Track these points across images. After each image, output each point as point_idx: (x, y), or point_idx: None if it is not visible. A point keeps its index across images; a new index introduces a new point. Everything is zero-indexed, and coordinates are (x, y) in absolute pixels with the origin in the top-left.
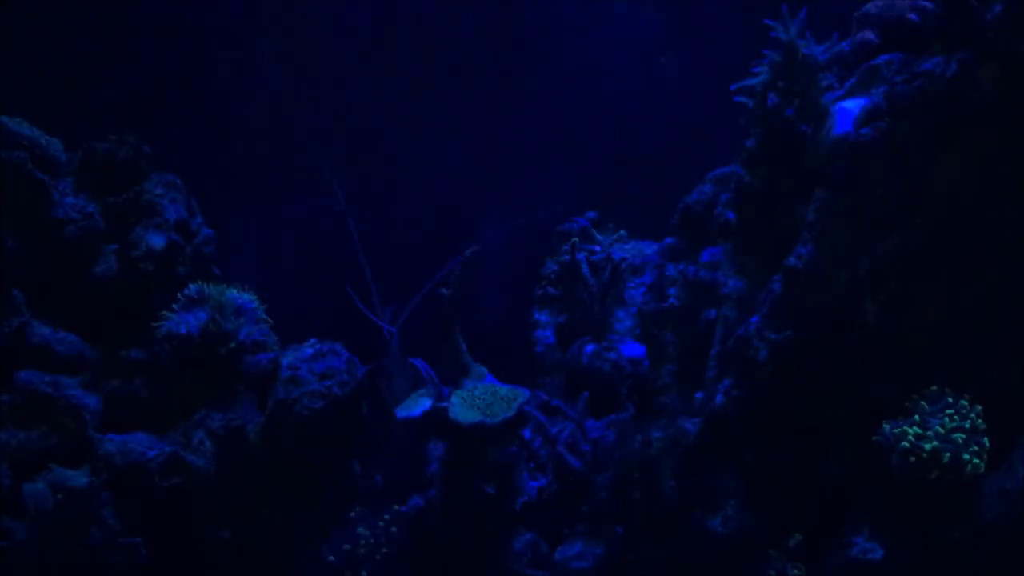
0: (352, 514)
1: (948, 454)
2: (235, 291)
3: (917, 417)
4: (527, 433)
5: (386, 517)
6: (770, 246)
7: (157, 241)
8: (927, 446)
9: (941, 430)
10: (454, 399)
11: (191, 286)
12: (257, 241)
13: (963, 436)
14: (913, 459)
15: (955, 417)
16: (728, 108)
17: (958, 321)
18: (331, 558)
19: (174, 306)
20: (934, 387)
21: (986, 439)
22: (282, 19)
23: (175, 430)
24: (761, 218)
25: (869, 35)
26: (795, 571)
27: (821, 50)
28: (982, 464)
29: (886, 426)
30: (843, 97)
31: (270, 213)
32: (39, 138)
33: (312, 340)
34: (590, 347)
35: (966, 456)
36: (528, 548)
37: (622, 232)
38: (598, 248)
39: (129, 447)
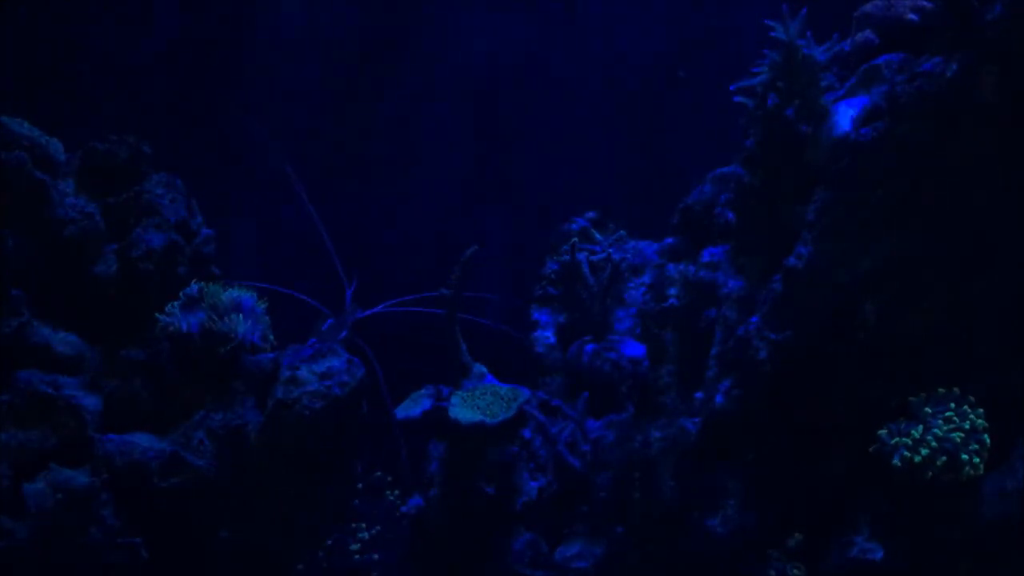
0: (352, 514)
1: (944, 456)
2: (235, 291)
3: (920, 425)
4: (527, 433)
5: (385, 515)
6: (770, 246)
7: (157, 241)
8: (924, 451)
9: (939, 432)
10: (454, 399)
11: (192, 285)
12: (257, 241)
13: (961, 435)
14: (908, 453)
15: (954, 418)
16: (728, 107)
17: (958, 321)
18: (332, 557)
19: (175, 303)
20: (941, 389)
21: (986, 436)
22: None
23: (175, 430)
24: (761, 218)
25: (869, 35)
26: (795, 571)
27: (821, 50)
28: (982, 463)
29: (882, 432)
30: (843, 97)
31: (270, 212)
32: (39, 138)
33: (312, 340)
34: (590, 347)
35: (964, 456)
36: (528, 548)
37: (622, 232)
38: (598, 248)
39: (129, 447)
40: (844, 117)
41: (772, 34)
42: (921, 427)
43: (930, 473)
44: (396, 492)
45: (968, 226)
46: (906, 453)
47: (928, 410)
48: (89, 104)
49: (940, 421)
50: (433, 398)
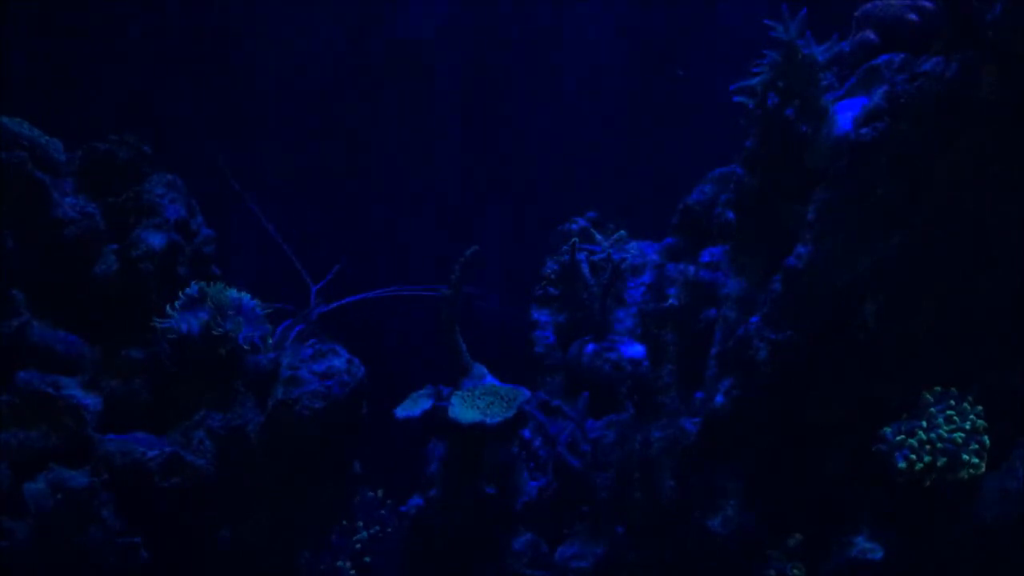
0: (352, 513)
1: (945, 458)
2: (235, 290)
3: (924, 422)
4: (527, 433)
5: (385, 515)
6: (770, 246)
7: (157, 241)
8: (927, 458)
9: (943, 432)
10: (454, 399)
11: (192, 285)
12: (257, 240)
13: (962, 435)
14: (913, 456)
15: (955, 418)
16: (728, 107)
17: (958, 321)
18: (331, 558)
19: (175, 304)
20: (938, 388)
21: (986, 437)
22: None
23: (175, 430)
24: (761, 218)
25: (869, 35)
26: (795, 571)
27: (821, 50)
28: (982, 464)
29: (887, 430)
30: (843, 97)
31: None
32: (39, 138)
33: (312, 340)
34: (590, 347)
35: (965, 456)
36: (528, 548)
37: (622, 232)
38: (598, 248)
39: (129, 447)
40: (844, 117)
41: (772, 34)
42: (924, 423)
43: (931, 477)
44: (379, 491)
45: (968, 226)
46: (911, 456)
47: (931, 410)
48: (90, 104)
49: (942, 420)
50: (433, 398)
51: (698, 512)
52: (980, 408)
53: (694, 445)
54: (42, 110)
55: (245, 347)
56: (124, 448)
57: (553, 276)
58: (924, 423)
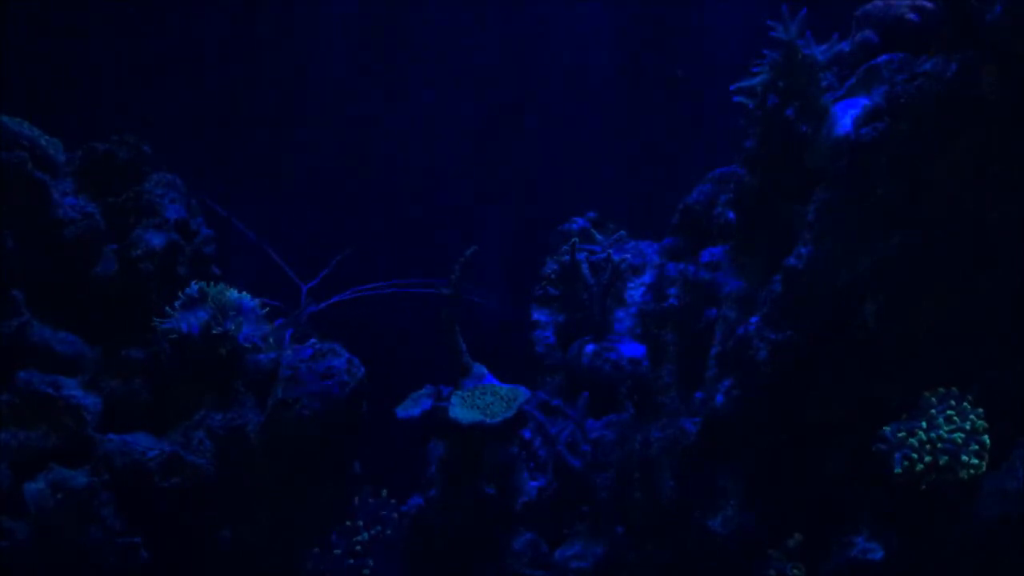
0: (351, 513)
1: (946, 457)
2: (236, 291)
3: (924, 423)
4: (527, 433)
5: (385, 515)
6: (770, 246)
7: (157, 241)
8: (928, 458)
9: (944, 432)
10: (454, 399)
11: (192, 285)
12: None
13: (963, 436)
14: (915, 456)
15: (955, 418)
16: (728, 107)
17: (958, 320)
18: (332, 557)
19: (175, 304)
20: (941, 388)
21: (986, 437)
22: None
23: (175, 430)
24: (761, 218)
25: (869, 35)
26: (795, 571)
27: (821, 50)
28: (982, 464)
29: (887, 429)
30: (843, 97)
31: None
32: (39, 138)
33: (312, 340)
34: (590, 347)
35: (964, 457)
36: (528, 548)
37: (622, 232)
38: (598, 248)
39: (129, 447)
40: (844, 117)
41: (772, 34)
42: (925, 423)
43: (931, 477)
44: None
45: (968, 226)
46: (912, 455)
47: (932, 410)
48: (90, 104)
49: (942, 420)
50: (433, 398)
51: (698, 512)
52: (980, 409)
53: (694, 445)
54: (42, 110)
55: (246, 346)
56: (124, 448)
57: (553, 276)
58: (924, 423)
